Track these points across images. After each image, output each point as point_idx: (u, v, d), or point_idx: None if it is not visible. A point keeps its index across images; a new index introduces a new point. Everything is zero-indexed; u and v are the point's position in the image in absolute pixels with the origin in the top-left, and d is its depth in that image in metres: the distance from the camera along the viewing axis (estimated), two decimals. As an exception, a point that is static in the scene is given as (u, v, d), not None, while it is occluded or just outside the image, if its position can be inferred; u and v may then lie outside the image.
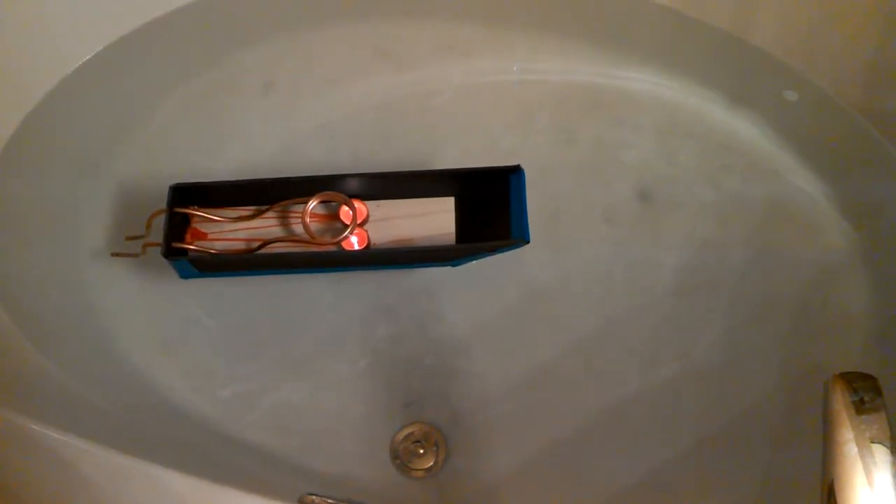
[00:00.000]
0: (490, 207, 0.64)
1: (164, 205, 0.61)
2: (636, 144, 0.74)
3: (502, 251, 0.64)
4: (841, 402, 0.39)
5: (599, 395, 0.66)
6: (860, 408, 0.40)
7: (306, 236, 0.63)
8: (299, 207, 0.64)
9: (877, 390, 0.39)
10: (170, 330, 0.68)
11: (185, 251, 0.62)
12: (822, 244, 0.72)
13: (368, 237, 0.64)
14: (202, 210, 0.64)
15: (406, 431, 0.65)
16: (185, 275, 0.66)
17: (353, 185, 0.63)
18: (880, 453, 0.40)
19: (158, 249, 0.61)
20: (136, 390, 0.65)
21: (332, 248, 0.62)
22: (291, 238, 0.63)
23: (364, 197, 0.65)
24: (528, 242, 0.59)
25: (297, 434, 0.65)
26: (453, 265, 0.69)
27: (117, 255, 0.66)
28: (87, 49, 0.73)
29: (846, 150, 0.74)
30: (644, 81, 0.77)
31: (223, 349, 0.67)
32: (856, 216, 0.72)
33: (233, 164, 0.73)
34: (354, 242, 0.63)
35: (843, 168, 0.74)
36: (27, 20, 0.69)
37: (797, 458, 0.61)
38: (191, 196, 0.63)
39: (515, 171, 0.62)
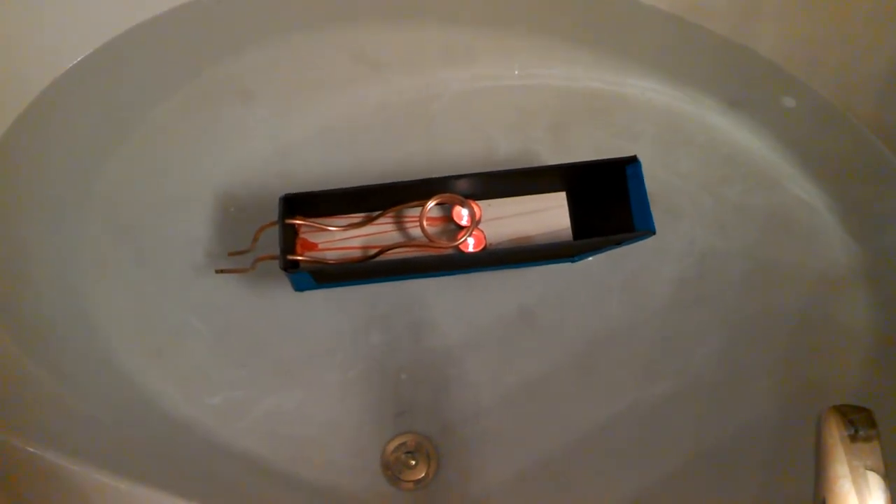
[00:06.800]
0: (605, 200, 0.62)
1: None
2: (636, 152, 0.73)
3: (626, 244, 0.62)
4: (836, 436, 0.38)
5: (593, 408, 0.66)
6: (855, 438, 0.39)
7: (423, 240, 0.61)
8: (410, 211, 0.63)
9: (871, 423, 0.38)
10: (163, 336, 0.67)
11: (300, 263, 0.59)
12: (823, 258, 0.70)
13: (485, 237, 0.63)
14: (315, 220, 0.62)
15: (398, 441, 0.64)
16: (301, 287, 0.65)
17: (461, 185, 0.61)
18: (874, 480, 0.39)
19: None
20: (129, 398, 0.64)
21: (451, 251, 0.61)
22: (409, 243, 0.62)
23: (473, 197, 0.63)
24: (654, 233, 0.57)
25: (287, 442, 0.64)
26: (572, 261, 0.68)
27: (224, 271, 0.63)
28: (60, 65, 0.72)
29: (850, 162, 0.73)
30: (645, 89, 0.76)
31: (215, 355, 0.67)
32: (858, 230, 0.71)
33: (229, 172, 0.72)
34: (470, 244, 0.62)
35: (847, 180, 0.73)
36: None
37: (792, 479, 0.60)
38: (296, 206, 0.61)
39: (632, 163, 0.60)
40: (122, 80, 0.75)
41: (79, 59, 0.72)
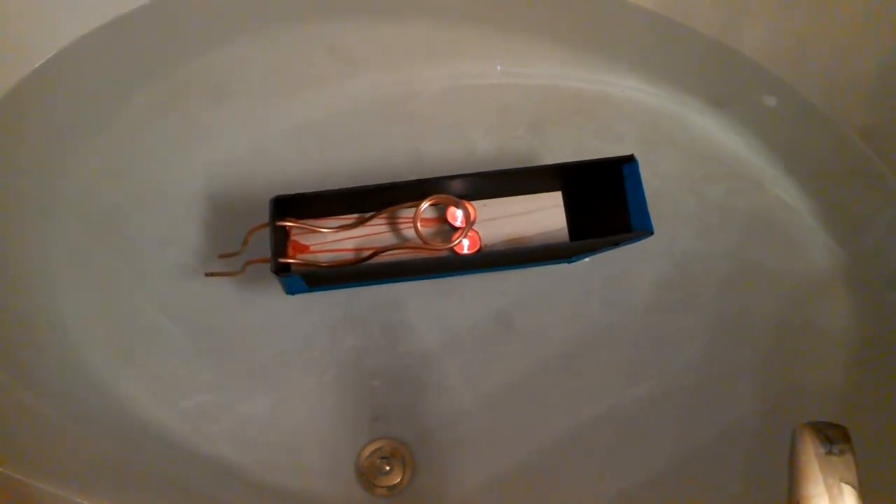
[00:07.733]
0: (601, 200, 0.60)
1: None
2: (617, 152, 0.72)
3: (624, 244, 0.60)
4: (811, 453, 0.37)
5: (573, 413, 0.65)
6: (830, 453, 0.39)
7: (417, 242, 0.59)
8: (404, 212, 0.61)
9: (846, 438, 0.38)
10: (134, 337, 0.66)
11: (291, 266, 0.58)
12: (804, 260, 0.70)
13: (480, 238, 0.61)
14: (307, 222, 0.60)
15: (373, 447, 0.63)
16: (292, 290, 0.63)
17: (456, 185, 0.60)
18: (849, 493, 0.39)
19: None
20: (98, 402, 0.63)
21: (445, 253, 0.59)
22: (402, 245, 0.60)
23: (468, 197, 0.62)
24: (652, 234, 0.55)
25: (259, 448, 0.63)
26: (569, 262, 0.67)
27: (214, 274, 0.61)
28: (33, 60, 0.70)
29: (833, 164, 0.72)
30: (628, 88, 0.75)
31: (187, 357, 0.65)
32: (840, 232, 0.70)
33: (205, 170, 0.70)
34: (465, 245, 0.60)
35: (829, 182, 0.72)
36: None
37: (772, 482, 0.60)
38: (287, 208, 0.59)
39: (629, 162, 0.58)
40: (97, 76, 0.73)
41: (48, 56, 0.71)
